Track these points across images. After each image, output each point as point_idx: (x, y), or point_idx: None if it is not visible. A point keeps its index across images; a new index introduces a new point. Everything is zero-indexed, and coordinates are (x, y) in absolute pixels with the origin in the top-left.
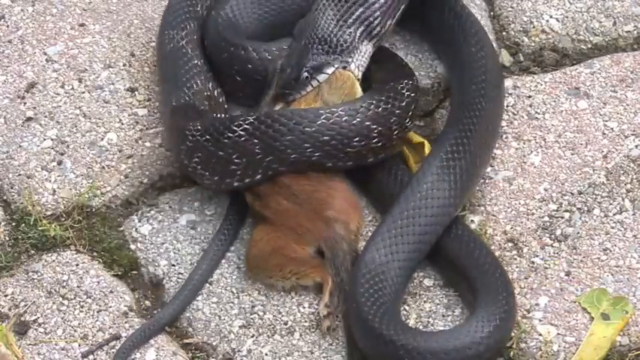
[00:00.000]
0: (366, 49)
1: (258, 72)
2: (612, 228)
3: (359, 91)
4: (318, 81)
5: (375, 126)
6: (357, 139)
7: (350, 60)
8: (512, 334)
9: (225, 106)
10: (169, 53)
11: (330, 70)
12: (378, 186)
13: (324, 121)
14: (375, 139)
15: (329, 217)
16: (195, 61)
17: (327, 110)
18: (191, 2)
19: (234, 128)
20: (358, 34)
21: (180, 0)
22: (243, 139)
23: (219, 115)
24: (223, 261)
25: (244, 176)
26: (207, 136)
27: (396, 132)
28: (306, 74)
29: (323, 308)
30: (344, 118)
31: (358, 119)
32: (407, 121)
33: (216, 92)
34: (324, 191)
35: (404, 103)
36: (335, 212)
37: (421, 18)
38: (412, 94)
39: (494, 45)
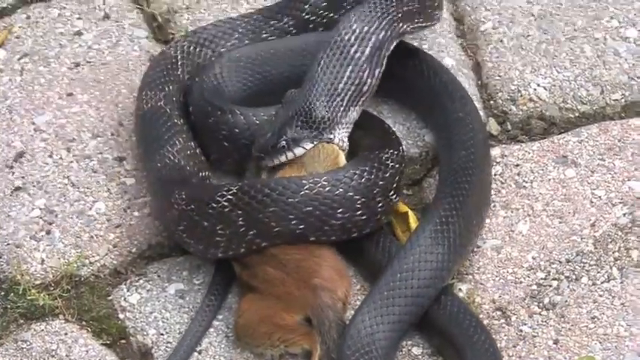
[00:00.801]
0: (352, 116)
1: (245, 137)
2: (600, 296)
3: (343, 161)
4: (294, 154)
5: (358, 197)
6: (340, 210)
7: (332, 136)
8: None
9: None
10: (148, 113)
11: (307, 146)
12: (366, 257)
13: (307, 191)
14: (359, 212)
15: (316, 285)
16: (175, 121)
17: (310, 180)
18: (171, 65)
19: (218, 199)
20: (346, 101)
21: (159, 63)
22: (226, 210)
23: (205, 179)
24: (212, 330)
25: (228, 248)
26: (192, 206)
27: (380, 204)
28: (283, 143)
29: None
30: (327, 189)
31: (341, 189)
32: (392, 193)
33: (198, 151)
34: (312, 260)
35: (388, 174)
36: (322, 280)
37: (407, 85)
38: (397, 165)
39: (482, 114)
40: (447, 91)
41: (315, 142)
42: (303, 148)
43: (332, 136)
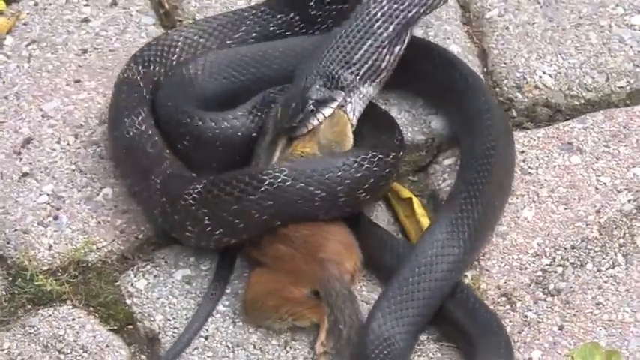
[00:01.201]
0: (367, 91)
1: (210, 140)
2: (605, 282)
3: (350, 135)
4: (323, 115)
5: (318, 191)
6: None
7: (349, 99)
8: None
9: None
10: (132, 140)
11: (334, 104)
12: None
13: (267, 187)
14: (318, 205)
15: (323, 258)
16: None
17: (270, 175)
18: (138, 89)
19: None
20: (361, 74)
21: (126, 89)
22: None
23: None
24: (219, 315)
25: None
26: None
27: (342, 200)
28: (311, 107)
29: (319, 346)
30: (287, 183)
31: (302, 184)
32: (361, 192)
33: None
34: (320, 234)
35: (353, 173)
36: (329, 253)
37: (421, 74)
38: (365, 166)
39: None
40: (466, 82)
41: (339, 100)
42: (331, 107)
43: (349, 98)
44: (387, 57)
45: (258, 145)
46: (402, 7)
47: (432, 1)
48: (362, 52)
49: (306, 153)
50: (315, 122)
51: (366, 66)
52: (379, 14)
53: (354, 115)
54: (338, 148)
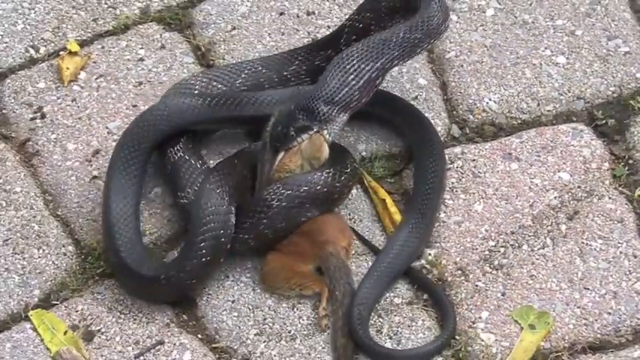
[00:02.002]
0: (342, 119)
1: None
2: (537, 259)
3: (326, 150)
4: (302, 139)
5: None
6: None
7: (326, 127)
8: (460, 339)
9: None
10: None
11: (311, 132)
12: None
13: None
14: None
15: (322, 240)
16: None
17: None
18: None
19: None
20: (340, 108)
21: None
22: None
23: None
24: (242, 284)
25: None
26: None
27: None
28: (292, 133)
29: (321, 310)
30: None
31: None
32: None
33: None
34: (319, 223)
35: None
36: (327, 237)
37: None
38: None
39: (447, 121)
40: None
41: (315, 130)
42: (308, 134)
43: (327, 129)
44: (356, 102)
45: (259, 160)
46: (370, 66)
47: (399, 58)
48: (342, 94)
49: (290, 167)
50: (294, 144)
51: (344, 103)
52: (352, 70)
53: (330, 136)
54: (316, 160)
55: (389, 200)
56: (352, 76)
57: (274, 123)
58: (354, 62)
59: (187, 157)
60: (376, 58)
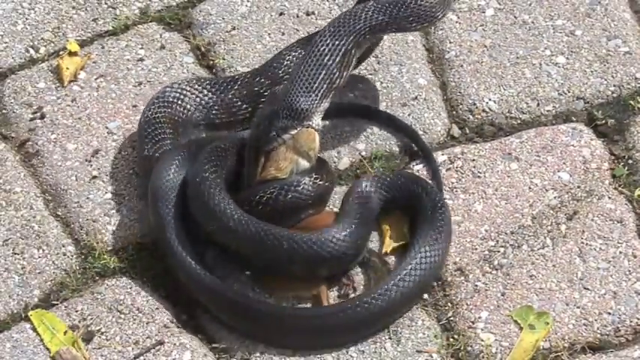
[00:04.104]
0: (324, 106)
1: None
2: (537, 259)
3: (317, 138)
4: (283, 139)
5: None
6: None
7: (311, 122)
8: (460, 339)
9: None
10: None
11: (293, 132)
12: None
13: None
14: None
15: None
16: None
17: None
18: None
19: None
20: (320, 96)
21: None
22: None
23: None
24: (242, 285)
25: None
26: None
27: None
28: (274, 133)
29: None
30: None
31: None
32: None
33: None
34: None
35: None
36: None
37: None
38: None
39: (447, 121)
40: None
41: (298, 129)
42: (290, 134)
43: (310, 122)
44: (338, 80)
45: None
46: (343, 41)
47: (365, 30)
48: (319, 80)
49: (280, 166)
50: (276, 144)
51: (323, 89)
52: (326, 50)
53: (318, 125)
54: (312, 151)
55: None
56: (327, 57)
57: (256, 125)
58: (327, 41)
59: None
60: (349, 32)
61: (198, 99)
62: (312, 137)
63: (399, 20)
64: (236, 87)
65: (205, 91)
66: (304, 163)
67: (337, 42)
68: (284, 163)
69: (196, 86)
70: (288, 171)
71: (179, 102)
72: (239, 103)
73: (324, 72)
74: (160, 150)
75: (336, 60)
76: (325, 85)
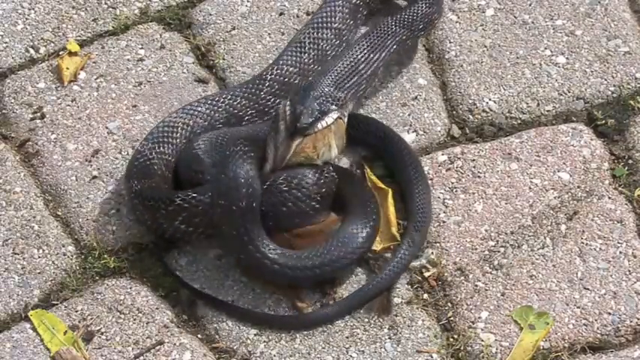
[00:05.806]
0: (351, 106)
1: None
2: (537, 259)
3: (344, 134)
4: (326, 122)
5: None
6: None
7: (345, 113)
8: (460, 339)
9: None
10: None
11: (335, 115)
12: None
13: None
14: None
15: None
16: None
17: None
18: None
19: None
20: (349, 97)
21: None
22: None
23: None
24: (242, 285)
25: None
26: None
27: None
28: (317, 114)
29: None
30: None
31: None
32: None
33: None
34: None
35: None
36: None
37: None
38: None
39: (447, 121)
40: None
41: (337, 114)
42: (331, 117)
43: (345, 113)
44: (366, 87)
45: (269, 145)
46: (377, 55)
47: (397, 44)
48: (349, 84)
49: (308, 153)
50: (320, 127)
51: (351, 92)
52: (362, 59)
53: (344, 121)
54: (340, 141)
55: (390, 193)
56: (362, 65)
57: (292, 110)
58: (365, 51)
59: None
60: (382, 49)
61: None
62: (342, 129)
63: (416, 32)
64: None
65: None
66: (334, 152)
67: (372, 55)
68: (320, 144)
69: None
70: (321, 154)
71: None
72: None
73: (356, 77)
74: None
75: (369, 72)
76: (354, 90)
